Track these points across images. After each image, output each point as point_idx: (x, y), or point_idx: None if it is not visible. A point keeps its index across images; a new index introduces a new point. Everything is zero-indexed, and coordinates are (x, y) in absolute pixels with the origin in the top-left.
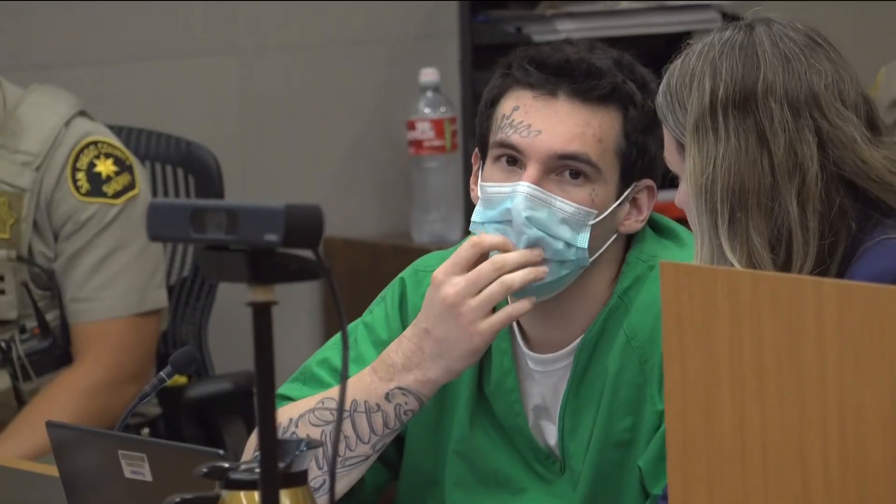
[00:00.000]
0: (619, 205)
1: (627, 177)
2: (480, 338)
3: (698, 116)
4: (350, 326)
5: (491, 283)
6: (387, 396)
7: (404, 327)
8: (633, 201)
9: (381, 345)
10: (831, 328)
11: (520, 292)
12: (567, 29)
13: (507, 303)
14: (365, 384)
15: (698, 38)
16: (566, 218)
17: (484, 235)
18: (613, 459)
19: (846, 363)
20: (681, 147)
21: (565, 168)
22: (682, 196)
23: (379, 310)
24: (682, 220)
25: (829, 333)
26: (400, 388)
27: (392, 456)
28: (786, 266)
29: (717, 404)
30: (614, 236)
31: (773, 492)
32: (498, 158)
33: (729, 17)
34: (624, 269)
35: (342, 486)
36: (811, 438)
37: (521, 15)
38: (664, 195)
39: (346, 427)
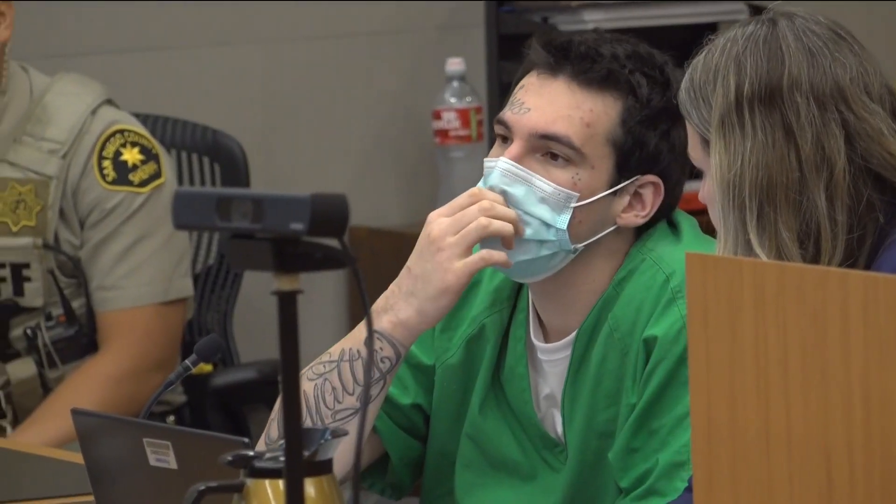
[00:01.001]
0: (614, 195)
1: (623, 168)
2: (453, 275)
3: (724, 112)
4: None
5: None
6: (365, 342)
7: None
8: (636, 196)
9: None
10: (856, 320)
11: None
12: (593, 19)
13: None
14: (355, 332)
15: (721, 33)
16: (545, 197)
17: (484, 190)
18: (596, 449)
19: (871, 355)
20: (705, 143)
21: (547, 148)
22: (707, 191)
23: None
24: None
25: (854, 325)
26: (376, 332)
27: (422, 430)
28: (815, 260)
29: (741, 396)
30: (612, 228)
31: (798, 483)
32: (498, 135)
33: (755, 9)
34: (625, 261)
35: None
36: (836, 430)
37: (546, 5)
38: (687, 185)
39: (334, 378)
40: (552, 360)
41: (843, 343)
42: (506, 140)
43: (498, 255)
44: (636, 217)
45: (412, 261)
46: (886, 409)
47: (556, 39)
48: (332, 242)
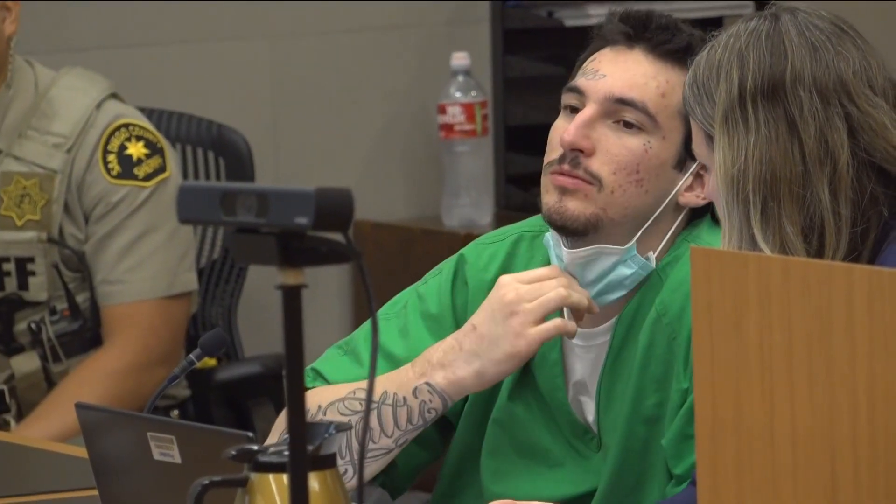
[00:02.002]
0: (679, 171)
1: (691, 145)
2: (525, 341)
3: (727, 108)
4: (403, 293)
5: None
6: (414, 391)
7: (453, 305)
8: (698, 177)
9: (429, 318)
10: (861, 314)
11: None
12: (599, 14)
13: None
14: (400, 376)
15: (724, 28)
16: (618, 259)
17: (564, 273)
18: (641, 435)
19: (876, 349)
20: (709, 139)
21: (621, 114)
22: (712, 187)
23: (434, 282)
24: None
25: (859, 319)
26: (428, 385)
27: (432, 437)
28: (819, 254)
29: (746, 390)
30: (672, 206)
31: (802, 478)
32: (565, 107)
33: (761, 4)
34: (671, 248)
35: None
36: (841, 424)
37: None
38: None
39: (372, 419)
40: (587, 346)
41: (847, 337)
42: (574, 111)
43: (572, 326)
44: (696, 198)
45: (479, 319)
46: (891, 403)
47: (638, 12)
48: (337, 236)
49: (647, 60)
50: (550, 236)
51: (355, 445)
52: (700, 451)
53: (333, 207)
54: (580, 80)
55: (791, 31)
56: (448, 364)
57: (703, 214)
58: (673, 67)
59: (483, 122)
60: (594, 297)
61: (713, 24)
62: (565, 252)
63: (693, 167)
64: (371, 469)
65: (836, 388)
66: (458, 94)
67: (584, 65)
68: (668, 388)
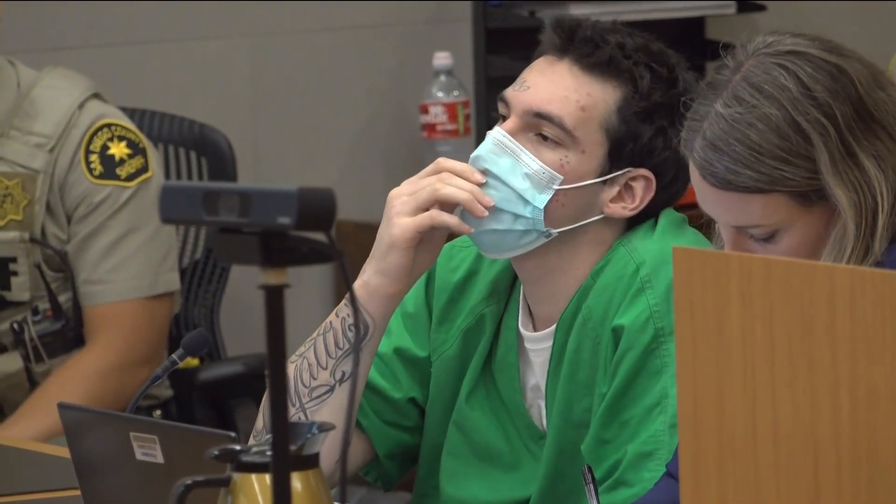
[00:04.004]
0: (603, 184)
1: (615, 157)
2: (399, 229)
3: (833, 150)
4: None
5: None
6: (336, 312)
7: (428, 303)
8: (627, 188)
9: (407, 317)
10: (843, 314)
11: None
12: (581, 13)
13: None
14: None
15: (724, 106)
16: (529, 174)
17: (450, 160)
18: (573, 440)
19: (858, 349)
20: (802, 198)
21: (540, 128)
22: (793, 249)
23: None
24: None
25: (841, 319)
26: (345, 301)
27: (417, 423)
28: None
29: (728, 390)
30: (598, 217)
31: (785, 477)
32: (500, 114)
33: (743, 5)
34: (607, 253)
35: None
36: (823, 424)
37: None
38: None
39: (311, 354)
40: (537, 350)
41: (829, 337)
42: (506, 119)
43: (449, 217)
44: (624, 209)
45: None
46: (873, 402)
47: (566, 22)
48: (320, 236)
49: (571, 73)
50: None
51: (301, 388)
52: (682, 450)
53: (316, 207)
54: (508, 91)
55: (808, 52)
56: (361, 273)
57: (643, 221)
58: (596, 80)
59: (465, 122)
60: (487, 233)
61: (695, 25)
62: (496, 130)
63: (622, 178)
64: (322, 414)
65: (818, 388)
66: (440, 94)
67: (523, 73)
68: (594, 392)
